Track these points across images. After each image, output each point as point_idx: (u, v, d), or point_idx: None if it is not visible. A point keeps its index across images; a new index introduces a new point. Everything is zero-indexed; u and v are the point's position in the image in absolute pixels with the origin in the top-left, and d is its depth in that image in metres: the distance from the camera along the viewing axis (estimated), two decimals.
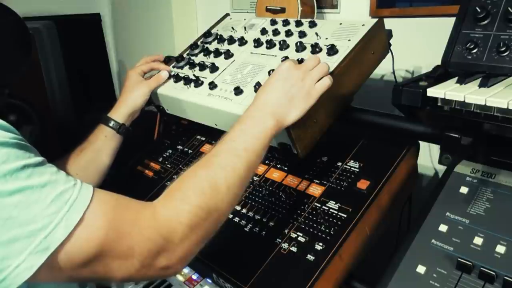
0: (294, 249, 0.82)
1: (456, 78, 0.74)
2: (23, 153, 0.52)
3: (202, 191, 0.64)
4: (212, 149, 0.71)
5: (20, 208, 0.48)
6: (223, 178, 0.66)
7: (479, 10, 0.79)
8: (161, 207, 0.62)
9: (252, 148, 0.71)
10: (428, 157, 1.28)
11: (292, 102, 0.76)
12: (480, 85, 0.69)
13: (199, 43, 1.23)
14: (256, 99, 0.78)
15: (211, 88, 1.01)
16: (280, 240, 0.85)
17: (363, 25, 0.95)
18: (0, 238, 0.47)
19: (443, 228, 0.74)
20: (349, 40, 0.93)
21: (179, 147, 1.23)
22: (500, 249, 0.67)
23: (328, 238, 0.81)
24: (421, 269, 0.70)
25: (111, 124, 1.06)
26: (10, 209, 0.47)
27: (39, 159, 0.54)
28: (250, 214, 0.93)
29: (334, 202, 0.87)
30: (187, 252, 0.62)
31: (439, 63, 0.84)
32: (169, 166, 1.18)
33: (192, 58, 1.18)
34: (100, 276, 0.56)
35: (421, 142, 0.94)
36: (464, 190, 0.78)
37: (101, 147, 1.05)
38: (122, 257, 0.56)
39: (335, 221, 0.83)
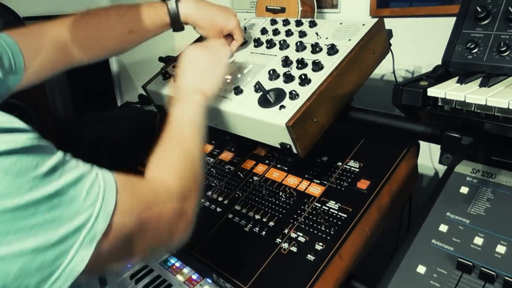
0: (294, 249, 0.82)
1: (456, 78, 0.74)
2: (46, 154, 0.51)
3: (184, 154, 0.71)
4: (164, 132, 0.76)
5: (63, 206, 0.49)
6: (189, 139, 0.75)
7: (479, 10, 0.78)
8: (169, 182, 0.65)
9: (195, 119, 0.78)
10: (428, 157, 1.28)
11: (206, 75, 0.85)
12: (481, 85, 0.69)
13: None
14: (177, 87, 0.84)
15: None
16: (280, 240, 0.85)
17: (364, 25, 0.95)
18: (51, 240, 0.47)
19: (443, 228, 0.74)
20: (349, 40, 0.93)
21: None
22: (500, 249, 0.67)
23: (328, 238, 0.81)
24: (421, 269, 0.70)
25: (172, 12, 0.96)
26: (55, 209, 0.48)
27: (59, 155, 0.53)
28: (250, 214, 0.93)
29: (334, 202, 0.87)
30: (195, 204, 0.68)
31: (439, 63, 0.84)
32: None
33: None
34: (131, 255, 0.58)
35: (421, 142, 0.94)
36: (464, 190, 0.78)
37: (150, 33, 0.99)
38: (155, 228, 0.59)
39: (335, 221, 0.83)
